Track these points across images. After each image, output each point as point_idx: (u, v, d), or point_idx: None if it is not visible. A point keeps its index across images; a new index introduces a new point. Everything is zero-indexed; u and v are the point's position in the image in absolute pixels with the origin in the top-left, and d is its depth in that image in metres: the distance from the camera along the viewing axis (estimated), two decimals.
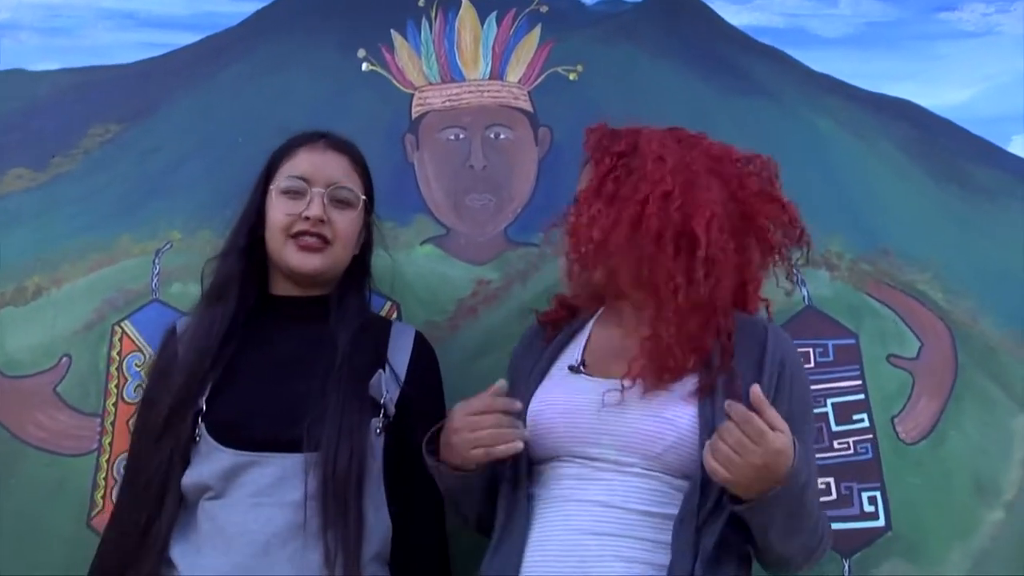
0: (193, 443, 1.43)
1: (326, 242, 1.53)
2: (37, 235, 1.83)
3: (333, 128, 1.89)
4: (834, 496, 1.73)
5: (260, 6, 1.96)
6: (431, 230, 1.87)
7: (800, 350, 1.78)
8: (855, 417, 1.78)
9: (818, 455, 1.70)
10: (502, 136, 1.92)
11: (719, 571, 1.27)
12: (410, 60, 1.95)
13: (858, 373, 1.81)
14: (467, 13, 1.96)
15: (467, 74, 1.95)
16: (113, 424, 1.73)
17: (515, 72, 1.96)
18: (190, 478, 1.42)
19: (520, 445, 1.31)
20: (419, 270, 1.84)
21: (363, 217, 1.61)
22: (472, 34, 1.96)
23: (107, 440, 1.72)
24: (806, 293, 1.85)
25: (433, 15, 1.96)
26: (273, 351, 1.50)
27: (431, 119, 1.93)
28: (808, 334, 1.82)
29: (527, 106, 1.94)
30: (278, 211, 1.54)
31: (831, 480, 1.74)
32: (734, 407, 1.22)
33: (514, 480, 1.38)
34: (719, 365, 1.34)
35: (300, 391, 1.44)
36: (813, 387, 1.75)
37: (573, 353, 1.47)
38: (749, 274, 1.48)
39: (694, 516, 1.27)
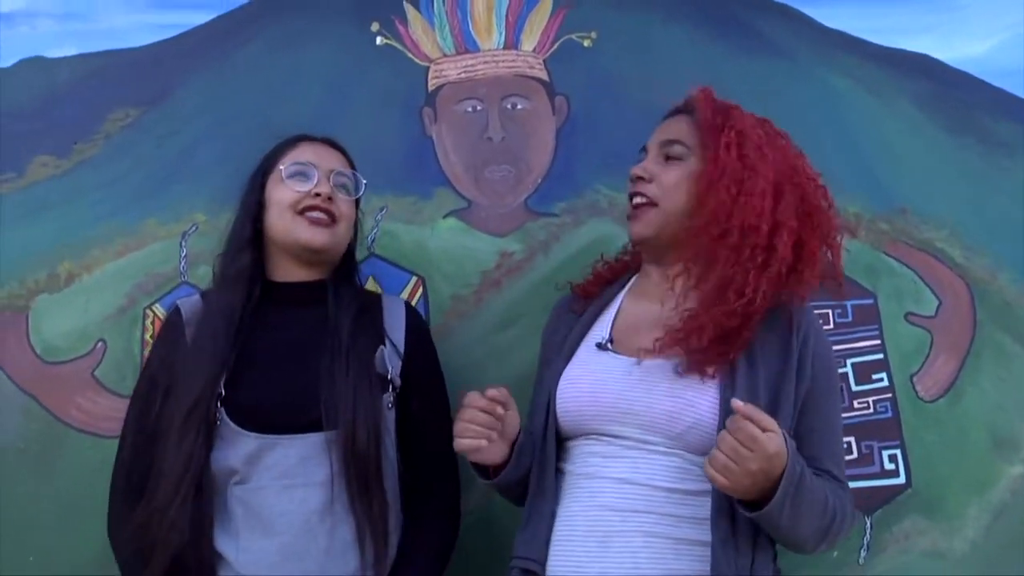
0: (214, 428, 1.47)
1: (333, 220, 1.57)
2: (65, 222, 1.86)
3: (349, 103, 1.93)
4: (855, 455, 1.77)
5: None
6: (452, 203, 1.89)
7: (819, 311, 1.82)
8: (874, 376, 1.81)
9: None
10: (519, 106, 1.92)
11: (758, 545, 1.32)
12: (424, 32, 1.94)
13: (877, 332, 1.84)
14: None
15: (481, 44, 1.95)
16: None
17: (529, 40, 1.95)
18: (216, 463, 1.46)
19: (483, 443, 1.34)
20: (443, 244, 1.87)
21: (355, 209, 1.65)
22: (485, 3, 1.95)
23: None
24: None
25: None
26: (281, 336, 1.54)
27: (447, 91, 1.93)
28: (827, 295, 1.84)
29: (543, 75, 1.94)
30: (286, 192, 1.57)
31: (852, 439, 1.78)
32: (729, 420, 1.24)
33: (543, 456, 1.43)
34: (741, 348, 1.37)
35: (312, 373, 1.48)
36: (834, 348, 1.80)
37: (601, 328, 1.49)
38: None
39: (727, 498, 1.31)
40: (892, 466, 1.78)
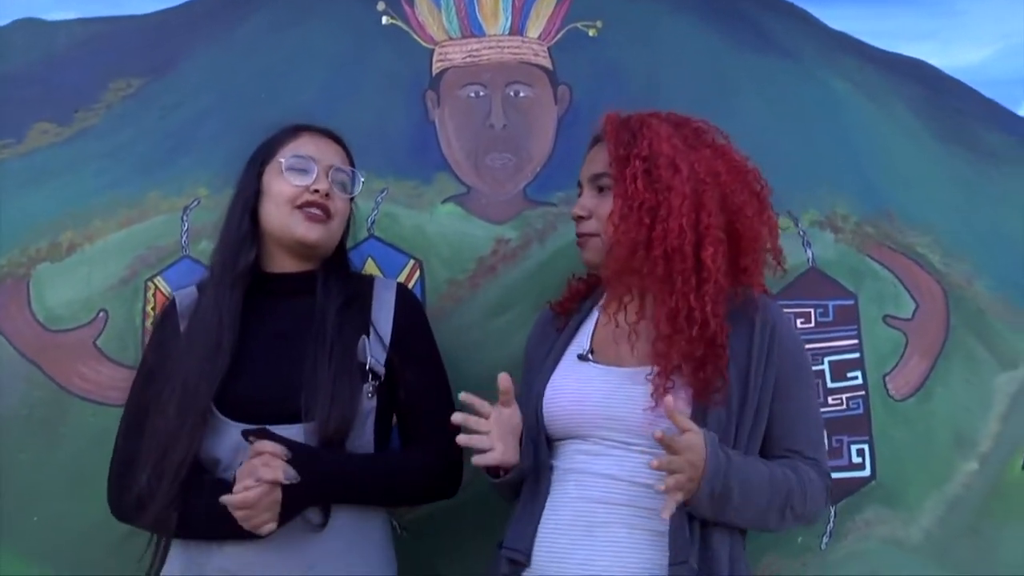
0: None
1: (328, 216, 1.59)
2: (67, 191, 1.86)
3: (354, 83, 1.93)
4: (826, 448, 1.87)
5: None
6: (452, 188, 1.92)
7: (802, 310, 1.92)
8: (849, 375, 1.90)
9: None
10: (522, 94, 1.94)
11: (712, 532, 1.42)
12: (430, 14, 1.94)
13: (855, 333, 1.92)
14: None
15: (487, 29, 1.95)
16: None
17: (535, 27, 1.95)
18: (203, 452, 1.50)
19: (496, 454, 1.40)
20: (441, 229, 1.90)
21: (349, 204, 1.67)
22: None
23: None
24: (811, 255, 1.93)
25: None
26: (271, 327, 1.57)
27: (451, 75, 1.94)
28: (810, 295, 1.92)
29: (547, 63, 1.95)
30: (285, 184, 1.58)
31: (824, 434, 1.87)
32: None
33: (537, 461, 1.51)
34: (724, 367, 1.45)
35: (297, 364, 1.52)
36: (812, 346, 1.89)
37: (581, 341, 1.57)
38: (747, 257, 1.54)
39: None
40: (859, 459, 1.88)
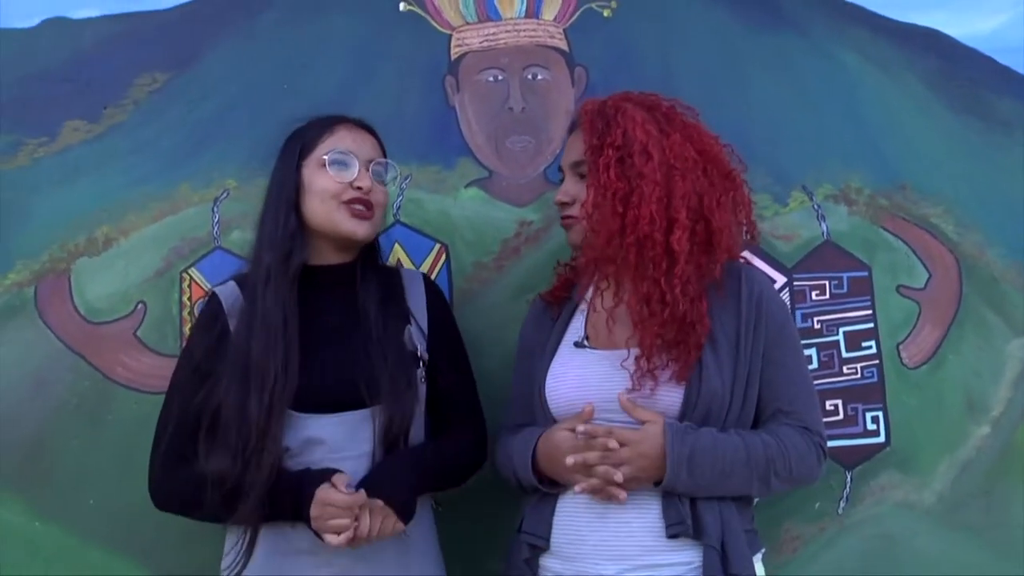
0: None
1: (371, 211, 1.64)
2: (100, 187, 1.92)
3: (374, 71, 1.96)
4: (841, 416, 1.93)
5: None
6: (474, 173, 1.96)
7: (817, 283, 1.97)
8: (864, 344, 1.95)
9: (828, 380, 1.94)
10: (539, 77, 1.97)
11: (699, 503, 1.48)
12: None
13: (869, 303, 1.97)
14: None
15: (503, 12, 1.97)
16: None
17: (550, 10, 1.97)
18: None
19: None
20: (465, 212, 1.95)
21: (387, 195, 1.71)
22: None
23: None
24: (825, 228, 1.98)
25: None
26: (321, 320, 1.62)
27: (470, 60, 1.97)
28: (825, 267, 1.96)
29: (563, 45, 1.98)
30: (328, 180, 1.62)
31: (839, 402, 1.94)
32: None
33: None
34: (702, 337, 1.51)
35: (352, 353, 1.60)
36: (827, 317, 1.95)
37: (577, 328, 1.63)
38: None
39: None
40: (874, 427, 1.94)
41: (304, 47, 1.95)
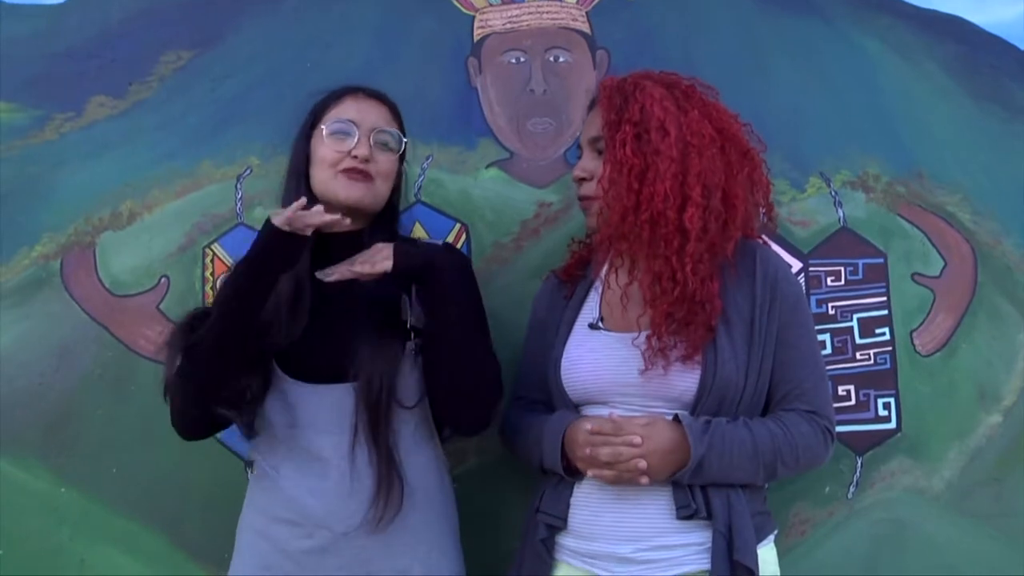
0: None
1: (369, 177, 1.65)
2: (125, 162, 1.94)
3: (397, 51, 1.97)
4: (853, 402, 1.95)
5: None
6: (495, 154, 1.98)
7: (833, 269, 1.98)
8: (878, 331, 1.97)
9: (842, 365, 1.96)
10: (561, 59, 1.98)
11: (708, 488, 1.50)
12: None
13: (884, 290, 1.98)
14: None
15: None
16: None
17: None
18: (263, 410, 1.60)
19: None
20: (485, 193, 1.97)
21: (398, 163, 1.72)
22: None
23: None
24: (842, 214, 1.99)
25: None
26: (319, 287, 1.63)
27: (492, 42, 1.98)
28: (841, 254, 1.98)
29: (585, 27, 1.98)
30: (327, 149, 1.64)
31: (851, 387, 1.96)
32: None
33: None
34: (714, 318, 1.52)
35: (345, 324, 1.60)
36: (842, 303, 1.97)
37: (591, 308, 1.64)
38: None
39: None
40: (885, 413, 1.96)
41: (327, 27, 1.97)
